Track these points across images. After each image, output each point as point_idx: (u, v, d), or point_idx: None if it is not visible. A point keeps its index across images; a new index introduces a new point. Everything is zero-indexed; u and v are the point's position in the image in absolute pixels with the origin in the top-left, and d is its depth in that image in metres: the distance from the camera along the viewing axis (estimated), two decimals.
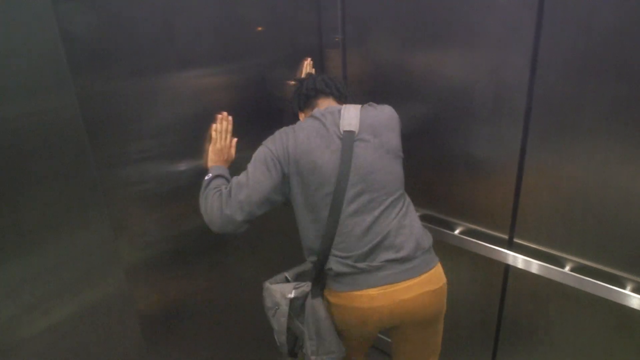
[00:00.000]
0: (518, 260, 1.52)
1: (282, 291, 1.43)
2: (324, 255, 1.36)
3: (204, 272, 1.62)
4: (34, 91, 1.01)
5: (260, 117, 1.66)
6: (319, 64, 1.82)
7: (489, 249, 1.59)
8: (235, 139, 1.55)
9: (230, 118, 1.53)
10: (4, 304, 1.07)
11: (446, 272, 1.42)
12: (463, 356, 1.91)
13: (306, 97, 1.51)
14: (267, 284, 1.48)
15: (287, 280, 1.49)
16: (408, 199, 1.42)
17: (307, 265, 1.49)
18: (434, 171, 1.69)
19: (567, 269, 1.43)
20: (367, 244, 1.32)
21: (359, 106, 1.41)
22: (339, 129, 1.35)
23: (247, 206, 1.30)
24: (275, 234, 1.86)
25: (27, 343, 1.13)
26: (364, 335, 1.48)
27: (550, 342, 1.61)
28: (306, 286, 1.42)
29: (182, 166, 1.44)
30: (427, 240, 1.39)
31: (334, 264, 1.35)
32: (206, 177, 1.41)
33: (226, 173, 1.45)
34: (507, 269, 1.61)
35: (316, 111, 1.43)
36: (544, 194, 1.43)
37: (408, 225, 1.35)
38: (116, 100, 1.22)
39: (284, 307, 1.42)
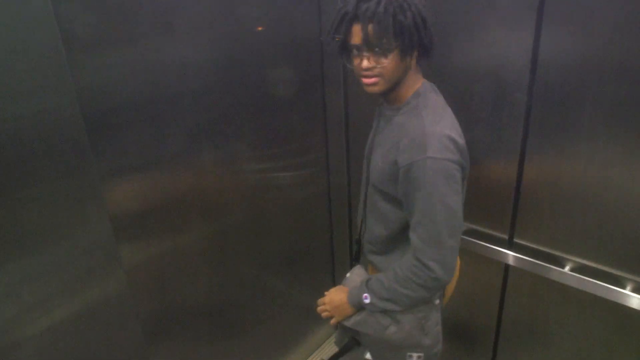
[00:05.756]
0: (518, 260, 1.52)
1: None
2: None
3: (204, 272, 1.62)
4: (34, 91, 1.01)
5: (260, 117, 1.66)
6: (319, 64, 1.82)
7: (489, 249, 1.59)
8: None
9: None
10: (4, 304, 1.07)
11: None
12: (463, 356, 1.91)
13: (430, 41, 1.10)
14: None
15: None
16: None
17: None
18: None
19: (567, 269, 1.43)
20: None
21: None
22: None
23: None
24: (276, 233, 1.86)
25: (27, 343, 1.13)
26: None
27: (550, 342, 1.61)
28: None
29: (183, 166, 1.44)
30: None
31: None
32: (369, 298, 1.22)
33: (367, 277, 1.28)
34: (507, 268, 1.61)
35: (430, 86, 1.21)
36: (544, 193, 1.43)
37: None
38: (116, 101, 1.22)
39: None
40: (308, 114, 1.87)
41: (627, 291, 1.33)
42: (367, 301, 1.22)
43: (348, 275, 1.40)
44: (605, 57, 1.19)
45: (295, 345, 2.17)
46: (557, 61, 1.28)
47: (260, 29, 1.56)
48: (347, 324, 1.30)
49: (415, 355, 1.28)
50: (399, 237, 1.24)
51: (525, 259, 1.50)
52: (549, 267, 1.46)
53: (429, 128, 1.07)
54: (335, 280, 2.26)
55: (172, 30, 1.31)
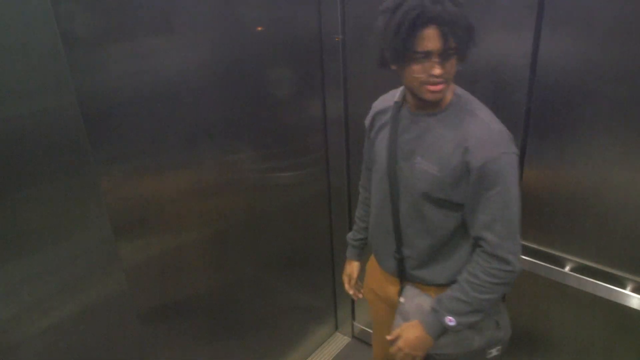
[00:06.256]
0: None
1: None
2: None
3: (204, 272, 1.62)
4: (34, 91, 1.01)
5: (260, 117, 1.66)
6: (319, 64, 1.82)
7: None
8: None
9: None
10: (4, 304, 1.07)
11: None
12: None
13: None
14: None
15: None
16: None
17: None
18: None
19: (567, 269, 1.43)
20: None
21: None
22: None
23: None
24: (276, 234, 1.86)
25: (27, 343, 1.13)
26: None
27: (550, 342, 1.61)
28: None
29: (182, 166, 1.44)
30: None
31: None
32: (454, 320, 1.16)
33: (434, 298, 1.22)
34: None
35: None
36: (544, 193, 1.43)
37: None
38: (116, 101, 1.22)
39: None
40: (308, 114, 1.87)
41: (627, 291, 1.33)
42: (452, 324, 1.15)
43: (402, 300, 1.30)
44: (605, 57, 1.19)
45: (295, 345, 2.17)
46: (557, 61, 1.27)
47: (260, 29, 1.56)
48: (433, 352, 1.23)
49: (494, 350, 1.27)
50: (446, 244, 1.21)
51: (525, 259, 1.50)
52: (549, 267, 1.46)
53: (492, 125, 1.08)
54: (335, 280, 2.26)
55: (172, 30, 1.31)
